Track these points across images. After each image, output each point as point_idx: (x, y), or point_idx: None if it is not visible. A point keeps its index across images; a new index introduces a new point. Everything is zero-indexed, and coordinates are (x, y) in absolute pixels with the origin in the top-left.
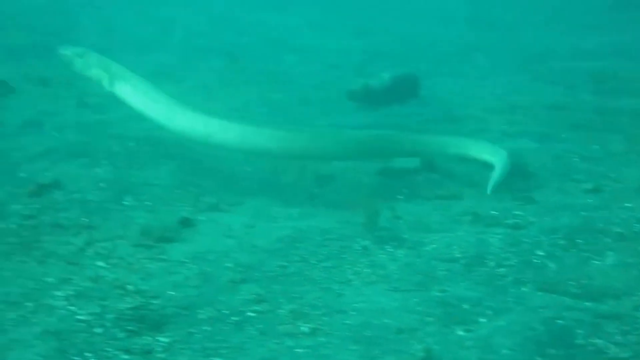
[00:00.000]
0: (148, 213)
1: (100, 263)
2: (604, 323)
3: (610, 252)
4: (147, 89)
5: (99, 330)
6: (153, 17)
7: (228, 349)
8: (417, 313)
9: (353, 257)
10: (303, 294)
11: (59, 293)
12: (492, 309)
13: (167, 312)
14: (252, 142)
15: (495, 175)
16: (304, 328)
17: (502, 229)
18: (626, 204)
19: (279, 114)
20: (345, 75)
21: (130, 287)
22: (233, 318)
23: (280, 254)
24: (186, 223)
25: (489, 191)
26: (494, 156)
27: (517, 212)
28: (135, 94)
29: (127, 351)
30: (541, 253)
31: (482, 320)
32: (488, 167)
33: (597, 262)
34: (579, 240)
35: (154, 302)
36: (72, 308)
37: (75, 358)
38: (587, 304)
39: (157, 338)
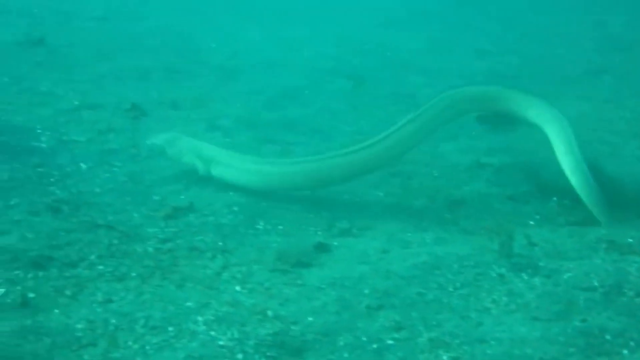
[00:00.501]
0: (282, 237)
1: (238, 288)
2: None
3: None
4: (236, 163)
5: (240, 356)
6: (278, 38)
7: None
8: (558, 343)
9: (490, 284)
10: (442, 322)
11: (199, 318)
12: (634, 340)
13: (307, 338)
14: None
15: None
16: (445, 357)
17: (639, 258)
18: None
19: None
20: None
21: (269, 313)
22: (372, 345)
23: (417, 280)
24: (321, 248)
25: (603, 224)
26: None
27: None
28: (228, 172)
29: None
30: None
31: (625, 352)
32: None
33: None
34: None
35: (294, 328)
36: (213, 333)
37: None
38: None
39: None
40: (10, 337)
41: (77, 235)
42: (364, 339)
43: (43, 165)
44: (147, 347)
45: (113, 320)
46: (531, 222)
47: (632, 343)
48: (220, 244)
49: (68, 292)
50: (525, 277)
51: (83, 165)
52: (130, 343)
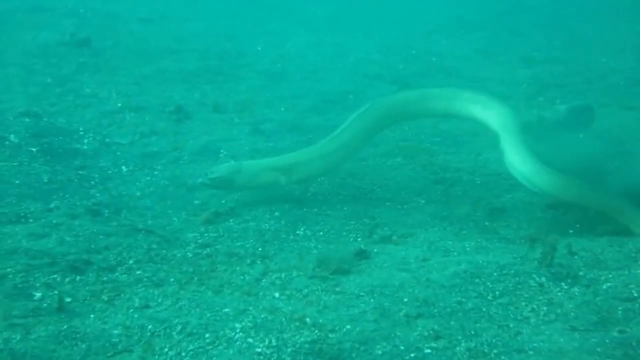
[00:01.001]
0: (322, 244)
1: (276, 294)
2: None
3: None
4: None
5: None
6: (325, 43)
7: None
8: (596, 354)
9: (529, 293)
10: (480, 332)
11: (237, 324)
12: None
13: (345, 346)
14: None
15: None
16: None
17: None
18: None
19: (449, 144)
20: (515, 106)
21: (307, 320)
22: (410, 354)
23: (456, 289)
24: (361, 255)
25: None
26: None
27: None
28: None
29: None
30: None
31: None
32: None
33: None
34: None
35: (332, 335)
36: (250, 340)
37: None
38: None
39: None
40: (46, 342)
41: (116, 239)
42: (402, 347)
43: (84, 168)
44: (183, 354)
45: (149, 326)
46: (571, 231)
47: None
48: (260, 249)
49: (105, 297)
50: (565, 287)
51: (124, 168)
52: (166, 349)
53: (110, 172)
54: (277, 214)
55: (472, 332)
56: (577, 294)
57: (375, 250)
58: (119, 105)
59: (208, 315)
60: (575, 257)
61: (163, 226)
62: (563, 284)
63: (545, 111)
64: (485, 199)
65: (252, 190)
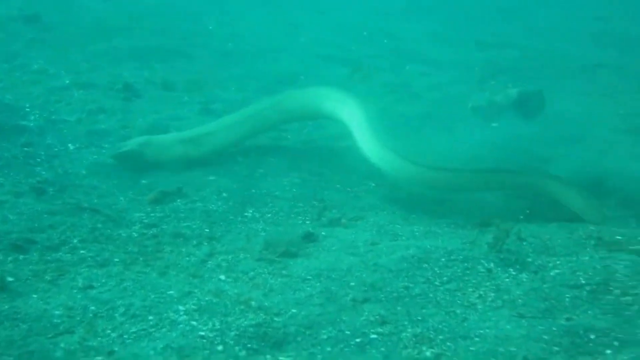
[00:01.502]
0: (270, 226)
1: (222, 276)
2: None
3: None
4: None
5: (220, 347)
6: (278, 22)
7: None
8: (543, 342)
9: (477, 279)
10: (427, 317)
11: (181, 307)
12: (619, 340)
13: (290, 330)
14: None
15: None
16: (428, 353)
17: (628, 255)
18: None
19: (403, 128)
20: (467, 90)
21: (252, 303)
22: (356, 339)
23: (404, 274)
24: (309, 238)
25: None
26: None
27: None
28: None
29: None
30: None
31: (608, 352)
32: None
33: None
34: None
35: (277, 319)
36: (194, 323)
37: None
38: None
39: (278, 358)
40: None
41: (60, 217)
42: (348, 332)
43: (30, 145)
44: (126, 336)
45: (92, 307)
46: (521, 217)
47: (616, 343)
48: (207, 230)
49: (48, 277)
50: (513, 273)
51: (71, 146)
52: (108, 331)
53: (56, 149)
54: (225, 195)
55: (419, 318)
56: (525, 280)
57: (323, 233)
58: (67, 82)
59: (152, 296)
60: (524, 243)
61: (109, 205)
62: (511, 270)
63: (496, 95)
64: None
65: (163, 165)
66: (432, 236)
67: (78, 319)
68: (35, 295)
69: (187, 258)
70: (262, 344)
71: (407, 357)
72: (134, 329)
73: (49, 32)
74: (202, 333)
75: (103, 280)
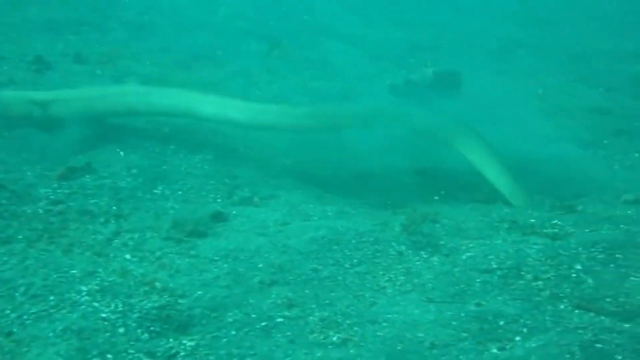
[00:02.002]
0: (180, 204)
1: (128, 256)
2: None
3: None
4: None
5: (121, 330)
6: None
7: (254, 357)
8: (451, 328)
9: (388, 262)
10: (335, 301)
11: (83, 287)
12: (528, 327)
13: (194, 313)
14: None
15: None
16: (335, 338)
17: (540, 239)
18: None
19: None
20: (387, 67)
21: (157, 284)
22: (261, 323)
23: (313, 256)
24: (219, 217)
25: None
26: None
27: (556, 222)
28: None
29: (150, 354)
30: (579, 267)
31: (517, 338)
32: None
33: (635, 279)
34: (618, 255)
35: (181, 301)
36: (96, 304)
37: None
38: (626, 325)
39: (181, 341)
40: None
41: None
42: (254, 315)
43: None
44: (25, 317)
45: None
46: (436, 197)
47: (525, 330)
48: (115, 208)
49: None
50: (425, 256)
51: None
52: (7, 312)
53: None
54: (134, 171)
55: (327, 302)
56: (436, 263)
57: (234, 212)
58: None
59: (54, 276)
60: (437, 225)
61: (15, 180)
62: (423, 253)
63: (413, 74)
64: (351, 162)
65: (6, 120)
66: (345, 217)
67: None
68: None
69: (93, 236)
70: (166, 326)
71: (313, 342)
72: (34, 310)
73: None
74: (104, 315)
75: (5, 259)
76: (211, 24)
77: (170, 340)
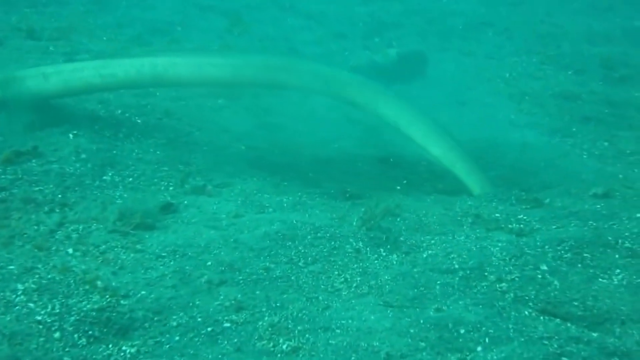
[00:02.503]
0: (129, 192)
1: (70, 250)
2: None
3: (618, 269)
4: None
5: (57, 334)
6: None
7: None
8: (409, 336)
9: (344, 261)
10: (286, 303)
11: (19, 286)
12: (490, 336)
13: (137, 315)
14: None
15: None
16: (284, 346)
17: (505, 235)
18: (637, 214)
19: None
20: (350, 46)
21: (99, 283)
22: (207, 328)
23: (266, 253)
24: (168, 208)
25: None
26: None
27: (521, 217)
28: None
29: None
30: (545, 267)
31: (479, 349)
32: None
33: (603, 281)
34: (586, 254)
35: (123, 302)
36: (32, 305)
37: None
38: (594, 334)
39: (121, 347)
40: None
41: None
42: (199, 319)
43: None
44: None
45: None
46: (398, 187)
47: (487, 340)
48: (60, 196)
49: None
50: (383, 254)
51: None
52: None
53: None
54: (84, 156)
55: (278, 304)
56: (394, 263)
57: (185, 202)
58: None
59: None
60: (398, 219)
61: None
62: (381, 250)
63: (376, 55)
64: (309, 147)
65: None
66: (301, 208)
67: None
68: None
69: (36, 227)
70: (105, 330)
71: (261, 350)
72: None
73: None
74: (39, 317)
75: None
76: None
77: (110, 346)
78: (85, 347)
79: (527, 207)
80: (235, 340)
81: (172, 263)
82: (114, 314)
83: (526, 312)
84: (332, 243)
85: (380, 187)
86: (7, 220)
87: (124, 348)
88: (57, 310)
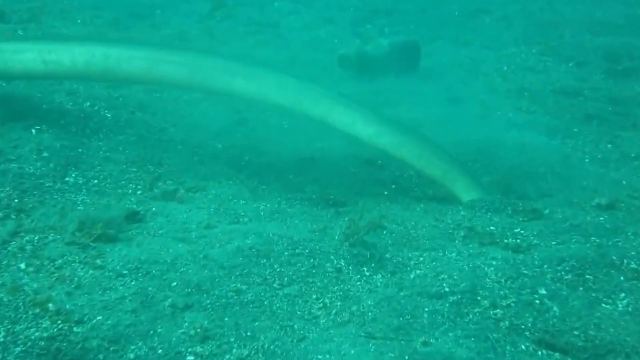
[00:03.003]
0: (93, 196)
1: (23, 265)
2: None
3: (622, 293)
4: None
5: None
6: None
7: None
8: None
9: (324, 282)
10: (258, 333)
11: None
12: None
13: (90, 345)
14: None
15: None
16: None
17: (500, 252)
18: None
19: None
20: (340, 33)
21: (51, 306)
22: None
23: (238, 272)
24: (134, 217)
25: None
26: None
27: (518, 230)
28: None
29: None
30: (543, 291)
31: None
32: None
33: (607, 307)
34: (588, 276)
35: (77, 330)
36: None
37: None
38: None
39: None
40: None
41: None
42: (160, 351)
43: None
44: None
45: None
46: (385, 192)
47: None
48: (17, 200)
49: None
50: (367, 273)
51: None
52: None
53: None
54: (46, 154)
55: (248, 334)
56: (379, 285)
57: (153, 209)
58: None
59: None
60: (385, 231)
61: None
62: (365, 269)
63: (367, 45)
64: (292, 146)
65: None
66: (279, 217)
67: None
68: None
69: None
70: None
71: None
72: None
73: None
74: None
75: None
76: None
77: None
78: None
79: (525, 220)
80: None
81: (133, 283)
82: (64, 344)
83: (523, 347)
84: (311, 261)
85: (367, 192)
86: None
87: None
88: (1, 339)
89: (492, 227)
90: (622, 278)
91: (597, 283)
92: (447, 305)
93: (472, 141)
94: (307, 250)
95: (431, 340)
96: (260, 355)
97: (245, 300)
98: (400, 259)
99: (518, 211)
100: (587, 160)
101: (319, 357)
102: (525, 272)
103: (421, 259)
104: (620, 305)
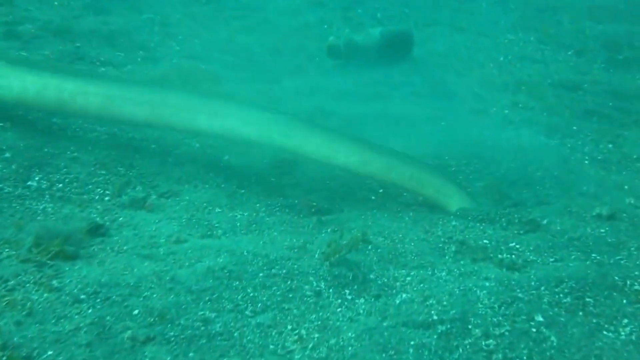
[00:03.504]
0: (56, 204)
1: None
2: None
3: (625, 319)
4: None
5: None
6: None
7: None
8: None
9: (300, 309)
10: None
11: None
12: None
13: None
14: None
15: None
16: None
17: (494, 270)
18: None
19: (244, 65)
20: (330, 18)
21: None
22: None
23: (207, 296)
24: (97, 231)
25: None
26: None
27: (513, 244)
28: None
29: None
30: (540, 318)
31: None
32: None
33: (609, 334)
34: (589, 299)
35: None
36: None
37: None
38: None
39: None
40: None
41: None
42: None
43: None
44: None
45: None
46: (373, 197)
47: None
48: None
49: None
50: (349, 297)
51: None
52: None
53: None
54: (8, 155)
55: None
56: (361, 312)
57: (120, 219)
58: None
59: None
60: (370, 246)
61: None
62: (347, 292)
63: (357, 34)
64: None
65: None
66: (257, 229)
67: None
68: None
69: None
70: None
71: None
72: None
73: None
74: None
75: None
76: None
77: None
78: None
79: (521, 232)
80: None
81: (90, 311)
82: None
83: None
84: (288, 283)
85: (353, 197)
86: None
87: None
88: None
89: (485, 241)
90: (624, 301)
91: (597, 307)
92: (435, 337)
93: (465, 142)
94: (284, 271)
95: None
96: None
97: (214, 331)
98: (386, 280)
99: (513, 223)
100: (586, 162)
101: None
102: (520, 295)
103: (408, 279)
104: (622, 333)
